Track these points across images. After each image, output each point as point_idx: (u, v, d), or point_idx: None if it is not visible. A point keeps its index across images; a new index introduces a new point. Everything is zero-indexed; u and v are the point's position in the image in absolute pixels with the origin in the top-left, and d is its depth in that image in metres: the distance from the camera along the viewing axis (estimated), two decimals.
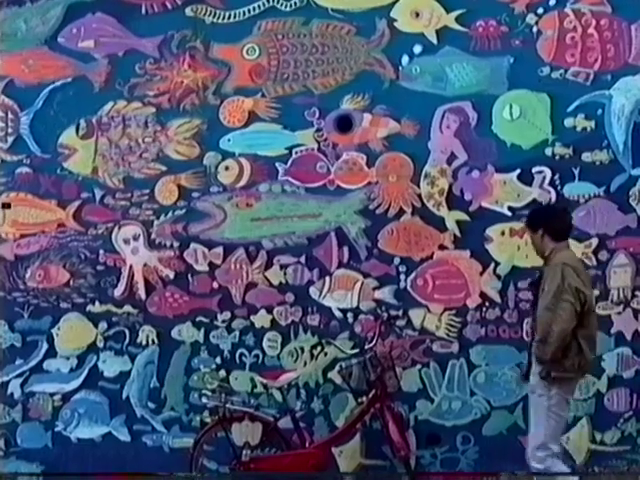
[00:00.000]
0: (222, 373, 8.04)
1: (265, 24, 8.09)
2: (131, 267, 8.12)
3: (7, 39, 8.30)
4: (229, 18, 8.11)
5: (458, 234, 7.90)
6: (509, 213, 7.89)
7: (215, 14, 8.11)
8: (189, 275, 8.08)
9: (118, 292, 8.12)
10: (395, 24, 7.99)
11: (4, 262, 8.24)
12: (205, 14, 8.12)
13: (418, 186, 7.94)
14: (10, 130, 8.30)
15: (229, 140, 8.10)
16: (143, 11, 8.18)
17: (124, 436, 8.08)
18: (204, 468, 7.81)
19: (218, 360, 8.04)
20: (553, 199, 7.85)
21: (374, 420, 7.76)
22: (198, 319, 8.05)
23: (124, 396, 8.11)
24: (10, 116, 8.28)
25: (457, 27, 7.95)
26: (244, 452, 7.61)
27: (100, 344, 8.13)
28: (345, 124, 8.03)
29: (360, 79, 8.03)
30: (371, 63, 8.01)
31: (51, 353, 8.15)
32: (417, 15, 7.98)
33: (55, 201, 8.22)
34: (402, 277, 7.93)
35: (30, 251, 8.23)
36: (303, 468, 7.52)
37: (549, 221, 6.97)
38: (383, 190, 7.98)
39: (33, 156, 8.25)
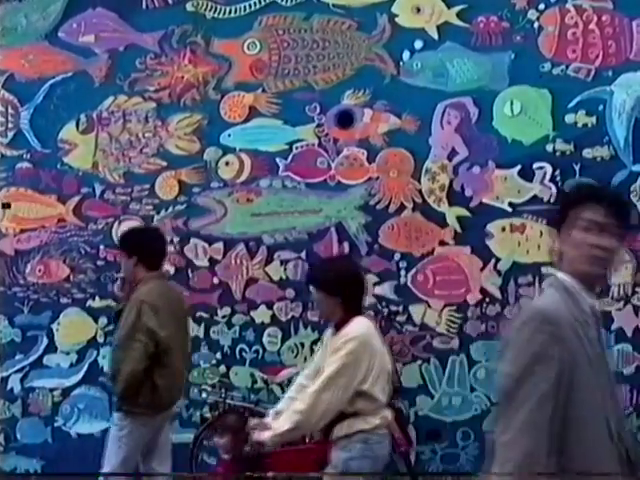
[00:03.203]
0: (222, 368, 8.04)
1: (266, 19, 8.08)
2: None
3: (7, 34, 8.29)
4: (230, 13, 8.10)
5: (459, 230, 7.89)
6: (510, 209, 7.89)
7: (216, 9, 8.10)
8: (189, 270, 8.08)
9: (118, 287, 8.11)
10: (396, 19, 7.98)
11: (4, 257, 8.23)
12: (206, 9, 8.11)
13: (419, 182, 7.94)
14: (10, 125, 8.29)
15: (229, 135, 8.09)
16: (144, 6, 8.17)
17: None
18: (204, 464, 7.81)
19: (218, 355, 8.04)
20: (554, 195, 7.87)
21: None
22: (198, 314, 8.04)
23: None
24: (10, 111, 8.27)
25: (458, 23, 7.95)
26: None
27: (100, 339, 8.12)
28: (346, 119, 8.02)
29: (361, 74, 8.02)
30: (372, 58, 8.00)
31: (51, 348, 8.15)
32: (418, 10, 7.97)
33: (55, 196, 8.21)
34: (402, 273, 7.93)
35: (30, 246, 8.22)
36: (304, 463, 7.49)
37: (144, 249, 6.62)
38: (384, 186, 7.98)
39: (33, 151, 8.24)
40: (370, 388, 5.33)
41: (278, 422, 5.34)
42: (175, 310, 6.65)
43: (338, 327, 5.46)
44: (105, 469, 6.66)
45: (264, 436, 5.30)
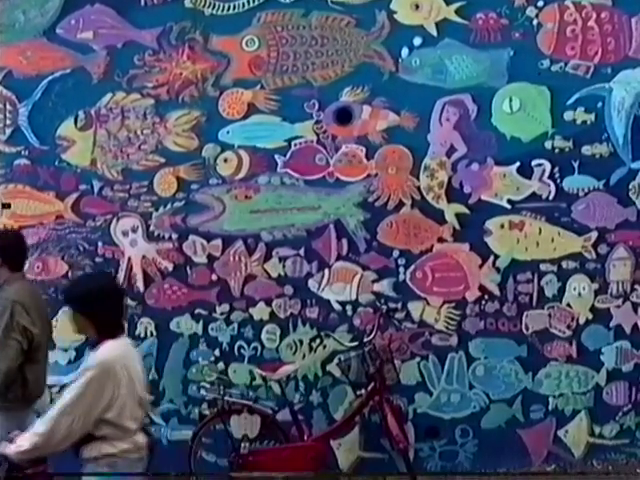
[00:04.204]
0: (221, 365, 8.03)
1: (264, 16, 8.06)
2: (130, 259, 8.10)
3: (5, 30, 8.26)
4: (228, 10, 8.08)
5: (457, 227, 7.89)
6: (508, 206, 7.90)
7: (214, 5, 8.08)
8: (188, 267, 8.07)
9: None
10: (395, 16, 7.97)
11: None
12: (204, 5, 8.09)
13: (417, 179, 7.94)
14: (8, 122, 8.26)
15: (228, 132, 8.07)
16: (142, 2, 8.14)
17: None
18: (203, 461, 7.81)
19: (217, 352, 8.03)
20: (552, 192, 7.88)
21: (373, 413, 7.77)
22: (197, 311, 8.03)
23: None
24: (8, 107, 8.25)
25: (457, 19, 7.94)
26: (243, 445, 7.61)
27: None
28: (344, 116, 8.01)
29: (360, 71, 8.01)
30: (371, 55, 8.00)
31: (49, 345, 8.12)
32: (417, 7, 7.97)
33: (53, 193, 8.19)
34: (401, 270, 7.93)
35: (28, 243, 8.18)
36: (302, 461, 7.52)
37: (8, 250, 6.72)
38: (382, 182, 7.97)
39: (31, 148, 8.21)
40: (116, 417, 5.12)
41: (22, 439, 5.19)
42: (41, 308, 6.83)
43: (94, 347, 5.25)
44: None
45: (8, 450, 5.19)
